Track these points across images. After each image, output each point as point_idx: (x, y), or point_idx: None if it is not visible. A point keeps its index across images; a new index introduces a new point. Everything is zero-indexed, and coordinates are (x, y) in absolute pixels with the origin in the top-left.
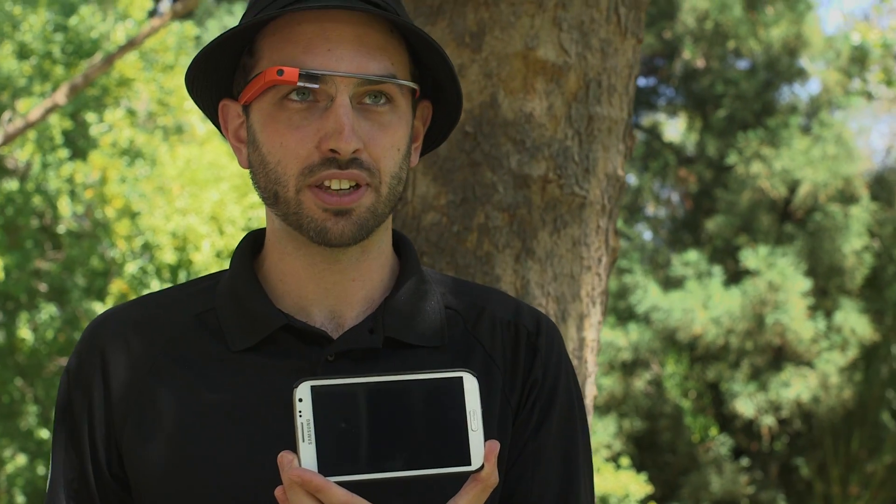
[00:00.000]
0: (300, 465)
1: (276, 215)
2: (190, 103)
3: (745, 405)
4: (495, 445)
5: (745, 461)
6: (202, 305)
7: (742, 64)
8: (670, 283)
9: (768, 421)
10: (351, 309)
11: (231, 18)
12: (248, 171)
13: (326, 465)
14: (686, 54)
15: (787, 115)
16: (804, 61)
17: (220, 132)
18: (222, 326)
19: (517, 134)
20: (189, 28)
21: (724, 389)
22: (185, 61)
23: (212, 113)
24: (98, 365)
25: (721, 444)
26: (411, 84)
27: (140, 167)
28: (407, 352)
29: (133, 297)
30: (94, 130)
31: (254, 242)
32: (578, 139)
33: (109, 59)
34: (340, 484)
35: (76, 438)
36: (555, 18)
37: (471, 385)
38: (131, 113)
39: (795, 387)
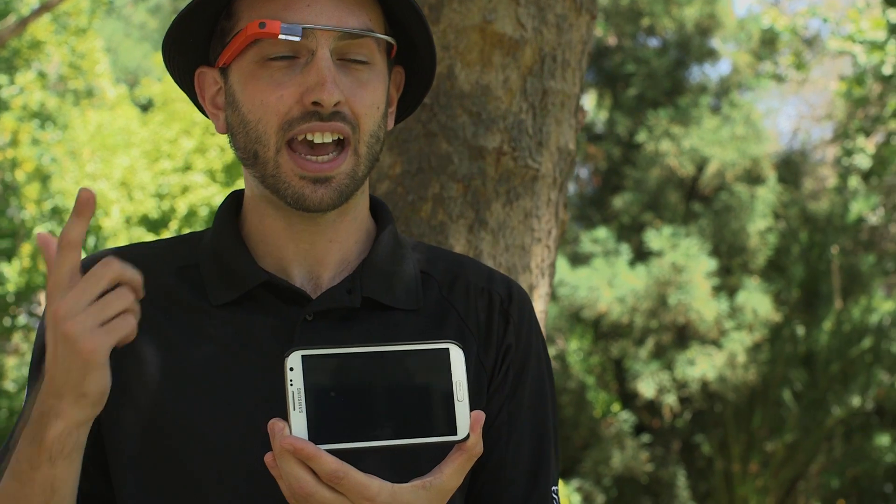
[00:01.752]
0: (291, 433)
1: (255, 177)
2: (101, 67)
3: (647, 385)
4: (481, 416)
5: (646, 437)
6: (185, 260)
7: (654, 42)
8: (578, 260)
9: (669, 400)
10: (328, 270)
11: None
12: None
13: (317, 433)
14: (598, 31)
15: (697, 95)
16: (716, 42)
17: (196, 104)
18: (204, 281)
19: (473, 106)
20: None
21: (627, 367)
22: (98, 25)
23: (187, 83)
24: None
25: (623, 420)
26: (389, 38)
27: (51, 131)
28: (383, 313)
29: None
30: (4, 93)
31: (237, 202)
32: (532, 112)
33: (23, 22)
34: (330, 452)
35: None
36: None
37: (457, 356)
38: (42, 76)
39: (701, 365)
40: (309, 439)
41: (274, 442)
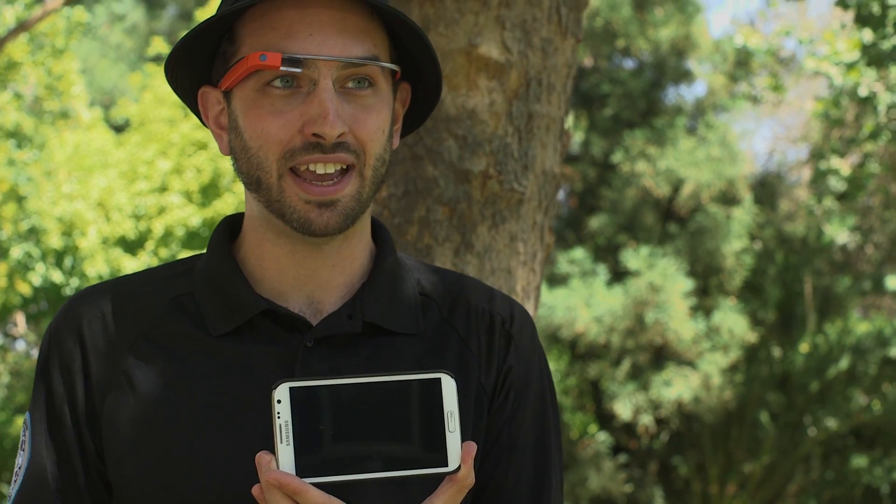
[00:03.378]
0: (278, 466)
1: (259, 201)
2: (77, 89)
3: (623, 406)
4: (472, 447)
5: (623, 458)
6: (178, 289)
7: (629, 63)
8: (555, 281)
9: (646, 420)
10: (330, 294)
11: (118, 4)
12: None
13: (304, 466)
14: None
15: (673, 116)
16: (691, 63)
17: (200, 120)
18: (201, 310)
19: (459, 129)
20: (80, 13)
21: (604, 388)
22: (75, 46)
23: (190, 100)
24: (77, 350)
25: (601, 441)
26: (393, 66)
27: (28, 151)
28: (384, 338)
29: (20, 280)
30: None
31: (231, 228)
32: (518, 136)
33: None
34: (318, 485)
35: (57, 421)
36: (498, 17)
37: (449, 386)
38: (18, 96)
39: (677, 386)
40: (296, 473)
41: (261, 475)
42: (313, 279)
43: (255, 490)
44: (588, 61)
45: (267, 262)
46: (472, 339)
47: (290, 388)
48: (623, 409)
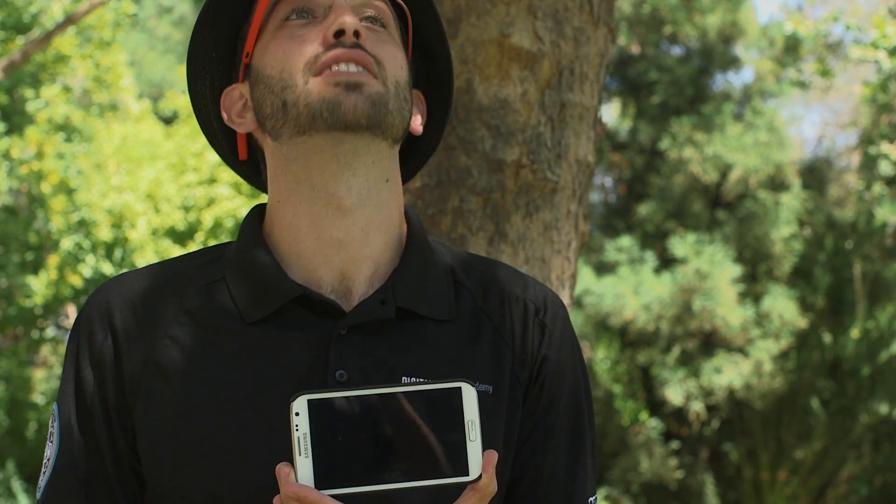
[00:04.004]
0: (297, 478)
1: (287, 128)
2: (125, 81)
3: (674, 393)
4: (493, 456)
5: (674, 444)
6: (210, 276)
7: (677, 50)
8: (603, 269)
9: (697, 407)
10: (359, 270)
11: None
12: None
13: (323, 478)
14: (621, 40)
15: (721, 102)
16: (738, 49)
17: (223, 123)
18: (234, 297)
19: (492, 119)
20: (127, 5)
21: (654, 375)
22: (122, 38)
23: (213, 111)
24: (108, 338)
25: (651, 427)
26: (402, 4)
27: (77, 143)
28: (418, 323)
29: (70, 272)
30: (30, 106)
31: (260, 215)
32: (551, 125)
33: (47, 36)
34: (337, 496)
35: (87, 412)
36: (530, 6)
37: (469, 395)
38: (67, 89)
39: (728, 373)
40: (314, 485)
41: (281, 487)
42: (343, 248)
43: (275, 501)
44: (635, 48)
45: (298, 238)
46: (506, 327)
47: (309, 401)
48: (674, 395)
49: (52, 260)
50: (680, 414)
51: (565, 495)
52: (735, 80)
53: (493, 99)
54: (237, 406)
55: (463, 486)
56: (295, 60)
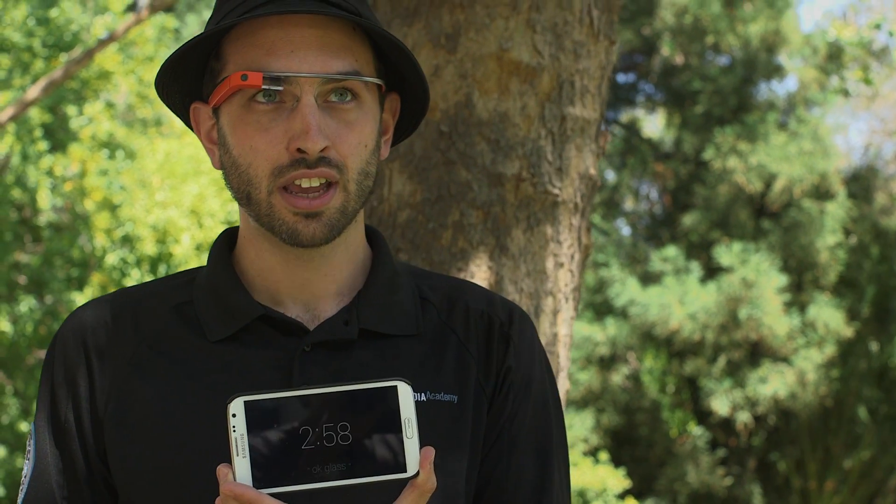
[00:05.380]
0: (235, 478)
1: (250, 215)
2: None
3: (721, 403)
4: (430, 452)
5: (721, 453)
6: (180, 298)
7: (720, 60)
8: (648, 279)
9: (744, 417)
10: (326, 303)
11: (210, 12)
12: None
13: (260, 477)
14: (665, 50)
15: (765, 112)
16: (782, 58)
17: (194, 133)
18: (200, 317)
19: (491, 133)
20: (169, 20)
21: (701, 385)
22: (165, 54)
23: (184, 115)
24: (82, 358)
25: (698, 437)
26: (375, 80)
27: (120, 160)
28: (382, 341)
29: (113, 288)
30: (73, 123)
31: (230, 239)
32: (552, 139)
33: (89, 53)
34: (276, 495)
35: (61, 429)
36: (528, 20)
37: (405, 393)
38: (110, 106)
39: (773, 383)
40: (252, 484)
41: (220, 487)
42: (308, 288)
43: (217, 502)
44: (678, 59)
45: (264, 272)
46: (471, 340)
47: (245, 402)
48: (720, 405)
49: (96, 277)
50: (727, 424)
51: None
52: (779, 89)
53: (493, 113)
54: (203, 421)
55: (402, 482)
56: (261, 165)
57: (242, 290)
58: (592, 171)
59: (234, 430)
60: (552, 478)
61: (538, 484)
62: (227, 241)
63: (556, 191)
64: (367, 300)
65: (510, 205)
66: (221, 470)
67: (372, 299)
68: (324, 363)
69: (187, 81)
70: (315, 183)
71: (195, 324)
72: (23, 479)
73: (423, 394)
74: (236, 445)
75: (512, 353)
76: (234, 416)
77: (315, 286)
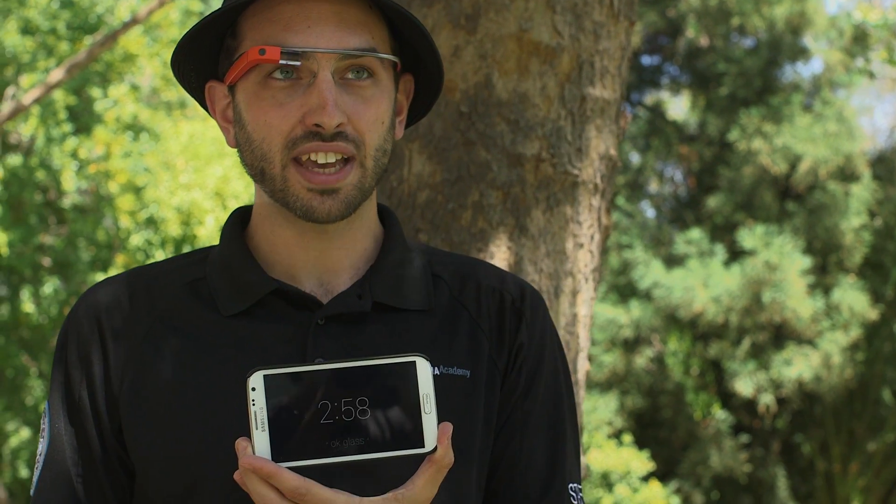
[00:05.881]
0: (254, 452)
1: (264, 191)
2: None
3: (745, 385)
4: (448, 428)
5: (744, 437)
6: (193, 274)
7: (745, 42)
8: (673, 261)
9: (767, 399)
10: (338, 276)
11: None
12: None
13: (279, 451)
14: (690, 32)
15: (790, 94)
16: (807, 40)
17: (208, 113)
18: (213, 293)
19: (511, 114)
20: (193, 3)
21: (725, 367)
22: None
23: (199, 95)
24: (96, 337)
25: (722, 420)
26: (391, 57)
27: (144, 142)
28: (395, 315)
29: None
30: (98, 106)
31: (242, 217)
32: (571, 119)
33: (113, 36)
34: (294, 469)
35: (75, 407)
36: (548, 1)
37: (423, 369)
38: (135, 88)
39: (797, 366)
40: (271, 457)
41: (239, 460)
42: (322, 262)
43: (236, 475)
44: (703, 40)
45: (278, 247)
46: (483, 316)
47: (265, 376)
48: (744, 387)
49: (120, 258)
50: (751, 406)
51: (543, 481)
52: (804, 71)
53: (513, 93)
54: (217, 395)
55: (421, 457)
56: (274, 139)
57: (255, 265)
58: (612, 152)
59: (254, 404)
60: (564, 451)
61: (550, 459)
62: (240, 219)
63: (575, 171)
64: (379, 274)
65: (530, 185)
66: (240, 443)
67: (384, 273)
68: (337, 337)
69: (203, 60)
70: (332, 159)
71: (209, 299)
72: (37, 457)
73: (436, 368)
74: (255, 419)
75: (524, 330)
76: (253, 389)
77: (330, 260)
